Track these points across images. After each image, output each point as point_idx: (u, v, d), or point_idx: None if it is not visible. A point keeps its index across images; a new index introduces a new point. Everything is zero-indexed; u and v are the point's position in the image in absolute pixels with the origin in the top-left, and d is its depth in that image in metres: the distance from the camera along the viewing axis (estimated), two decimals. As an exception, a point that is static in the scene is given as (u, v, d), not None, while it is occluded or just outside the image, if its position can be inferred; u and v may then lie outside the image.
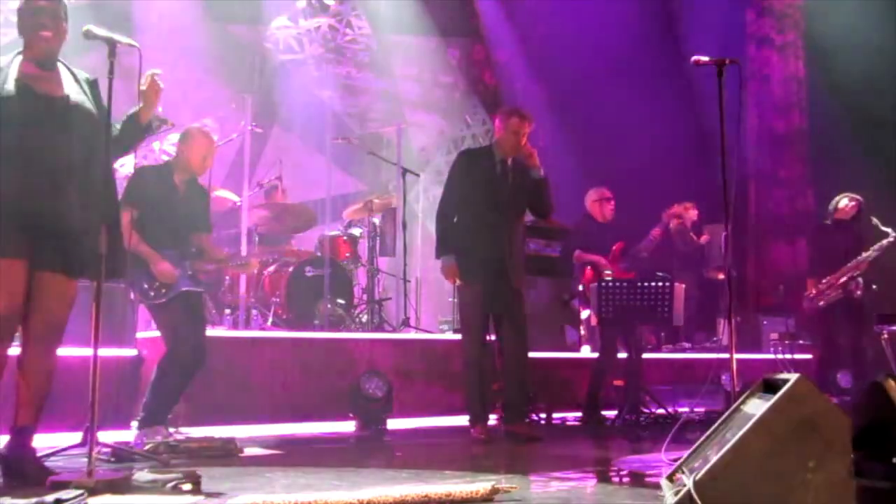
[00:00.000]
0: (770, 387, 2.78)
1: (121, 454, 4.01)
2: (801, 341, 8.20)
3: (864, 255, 7.35)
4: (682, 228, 8.82)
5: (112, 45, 3.48)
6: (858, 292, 7.34)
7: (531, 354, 5.52)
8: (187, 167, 4.92)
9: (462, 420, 5.99)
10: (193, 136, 4.99)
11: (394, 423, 5.87)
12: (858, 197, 7.70)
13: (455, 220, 5.41)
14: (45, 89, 3.52)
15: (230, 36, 9.74)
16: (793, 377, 2.62)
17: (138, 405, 4.89)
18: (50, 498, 2.80)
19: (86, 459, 3.16)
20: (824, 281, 7.53)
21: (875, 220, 7.27)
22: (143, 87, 3.74)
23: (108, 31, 3.53)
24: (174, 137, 9.27)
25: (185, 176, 4.92)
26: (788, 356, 7.91)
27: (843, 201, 7.69)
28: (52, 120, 3.48)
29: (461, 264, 5.30)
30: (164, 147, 8.96)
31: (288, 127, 10.02)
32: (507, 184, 5.39)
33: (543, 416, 6.45)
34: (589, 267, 6.72)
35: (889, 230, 7.24)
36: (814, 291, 7.64)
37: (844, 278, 7.39)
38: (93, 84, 3.68)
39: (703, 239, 8.75)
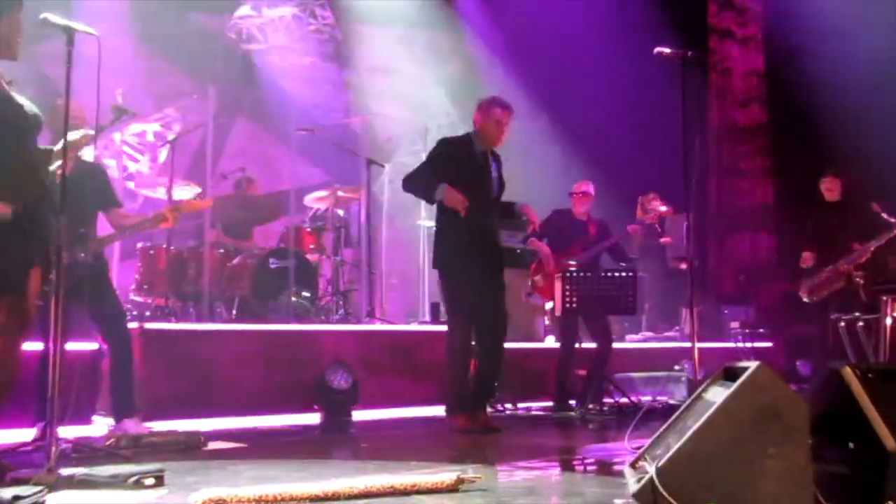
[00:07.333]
0: (731, 375, 2.82)
1: (82, 449, 3.96)
2: (760, 330, 8.34)
3: (867, 244, 6.90)
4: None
5: (70, 33, 3.42)
6: (861, 284, 6.98)
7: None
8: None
9: (428, 411, 6.00)
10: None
11: (359, 415, 5.86)
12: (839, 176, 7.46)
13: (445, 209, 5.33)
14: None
15: (192, 25, 9.62)
16: (753, 365, 2.66)
17: (99, 400, 4.83)
18: (7, 494, 2.76)
19: (45, 455, 3.12)
20: (823, 273, 7.19)
21: (877, 208, 6.83)
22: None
23: (66, 18, 3.47)
24: (135, 128, 9.21)
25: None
26: (749, 344, 8.03)
27: (829, 181, 7.46)
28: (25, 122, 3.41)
29: (455, 251, 5.25)
30: (125, 138, 8.85)
31: (252, 118, 9.94)
32: (488, 174, 5.39)
33: (509, 406, 6.49)
34: (537, 258, 6.76)
35: (893, 220, 6.76)
36: (812, 282, 7.25)
37: (847, 268, 7.04)
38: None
39: (665, 240, 8.83)
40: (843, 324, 6.93)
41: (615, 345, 6.64)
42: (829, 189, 7.50)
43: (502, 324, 5.36)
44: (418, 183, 5.32)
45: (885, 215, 6.88)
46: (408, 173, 5.40)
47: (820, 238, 7.39)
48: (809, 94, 9.03)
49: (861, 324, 6.76)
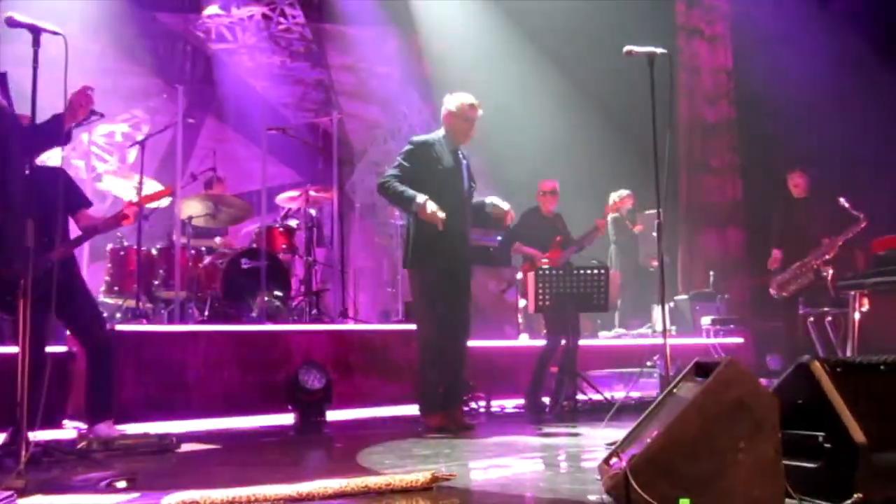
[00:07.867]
0: (702, 370, 2.85)
1: (53, 453, 3.92)
2: (731, 325, 8.42)
3: (835, 238, 7.09)
4: (619, 218, 8.96)
5: (36, 33, 3.37)
6: (829, 279, 6.96)
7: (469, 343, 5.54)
8: None
9: (402, 410, 6.00)
10: None
11: (333, 415, 5.85)
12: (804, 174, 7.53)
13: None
14: None
15: (160, 24, 9.53)
16: (724, 361, 2.69)
17: (68, 403, 4.76)
18: (-23, 500, 2.73)
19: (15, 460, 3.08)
20: (792, 268, 7.28)
21: (844, 202, 6.96)
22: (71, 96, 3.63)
23: (32, 18, 3.43)
24: (104, 129, 9.11)
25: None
26: (719, 340, 8.11)
27: (796, 177, 7.54)
28: None
29: (425, 251, 5.23)
30: (93, 138, 8.75)
31: (221, 117, 9.87)
32: (460, 173, 5.38)
33: (483, 404, 6.50)
34: (527, 261, 6.79)
35: (860, 214, 6.98)
36: (782, 277, 7.38)
37: (815, 263, 7.15)
38: (2, 78, 3.55)
39: (637, 228, 8.88)
40: (811, 319, 7.02)
41: (589, 342, 6.67)
42: (797, 185, 7.60)
43: (466, 323, 5.38)
44: (392, 194, 5.27)
45: (852, 209, 6.98)
46: (383, 179, 5.33)
47: (788, 233, 7.48)
48: (776, 91, 9.13)
49: (829, 318, 6.86)
